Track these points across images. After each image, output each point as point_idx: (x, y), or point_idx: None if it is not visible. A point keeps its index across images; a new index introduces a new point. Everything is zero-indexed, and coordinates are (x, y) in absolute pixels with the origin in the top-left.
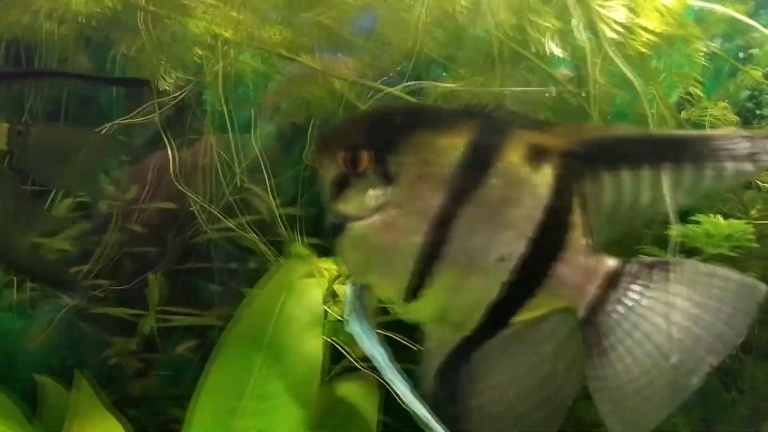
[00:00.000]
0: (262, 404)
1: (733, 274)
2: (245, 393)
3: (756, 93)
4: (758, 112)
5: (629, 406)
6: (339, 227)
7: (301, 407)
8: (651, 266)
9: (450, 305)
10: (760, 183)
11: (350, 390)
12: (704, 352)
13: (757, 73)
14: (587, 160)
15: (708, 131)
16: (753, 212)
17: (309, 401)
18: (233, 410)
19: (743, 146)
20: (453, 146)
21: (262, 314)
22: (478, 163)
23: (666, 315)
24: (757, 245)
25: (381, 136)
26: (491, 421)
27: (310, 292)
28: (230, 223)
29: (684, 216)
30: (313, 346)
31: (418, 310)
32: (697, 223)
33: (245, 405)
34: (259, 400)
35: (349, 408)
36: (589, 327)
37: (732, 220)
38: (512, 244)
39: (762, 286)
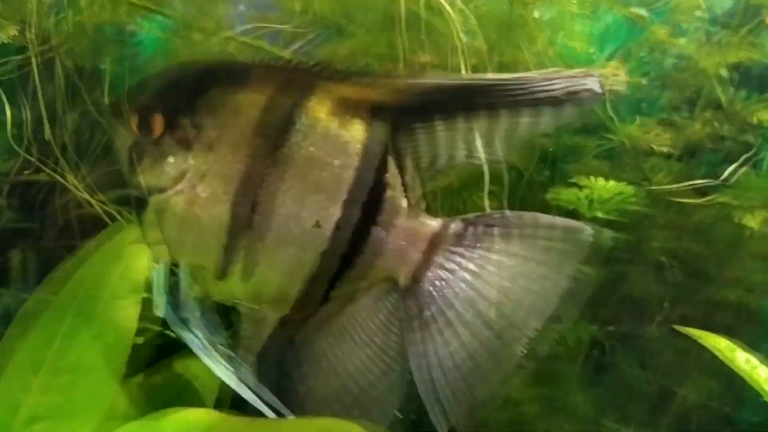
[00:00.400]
0: (60, 378)
1: (558, 220)
2: (42, 366)
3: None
4: None
5: (450, 383)
6: (142, 201)
7: (105, 380)
8: (475, 224)
9: (266, 280)
10: (655, 147)
11: (190, 365)
12: (528, 315)
13: (662, 32)
14: (400, 112)
15: (524, 72)
16: (656, 179)
17: (115, 374)
18: (27, 386)
19: (560, 86)
20: (253, 103)
21: (78, 281)
22: (281, 120)
23: (490, 278)
24: (640, 209)
25: (174, 96)
26: (326, 406)
27: (134, 259)
28: (92, 199)
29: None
30: (127, 314)
31: (233, 288)
32: (577, 185)
33: (42, 380)
34: (58, 374)
35: (185, 383)
36: (411, 297)
37: (613, 182)
38: (326, 209)
39: (588, 229)
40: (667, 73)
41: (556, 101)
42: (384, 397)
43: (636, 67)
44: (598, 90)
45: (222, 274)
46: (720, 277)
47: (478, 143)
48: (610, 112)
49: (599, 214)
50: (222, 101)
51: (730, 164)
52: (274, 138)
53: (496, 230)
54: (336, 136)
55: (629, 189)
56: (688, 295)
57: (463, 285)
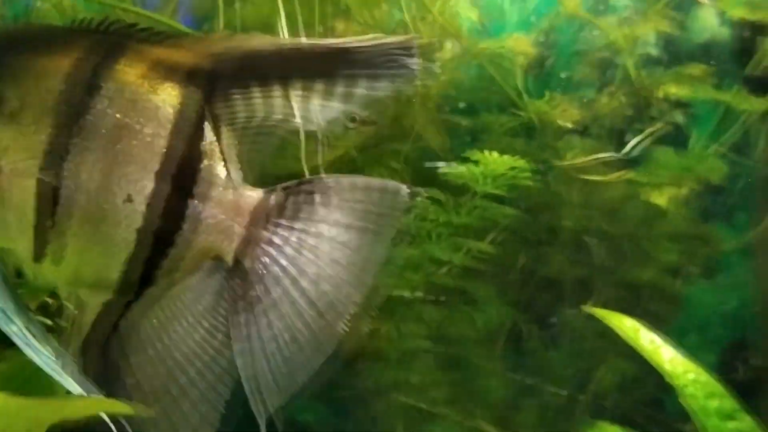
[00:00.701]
0: None
1: (374, 182)
2: None
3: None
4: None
5: (272, 368)
6: None
7: None
8: (296, 192)
9: (82, 262)
10: (561, 123)
11: None
12: (351, 289)
13: (573, 4)
14: (216, 77)
15: (348, 39)
16: (569, 156)
17: None
18: None
19: (378, 58)
20: (56, 69)
21: None
22: (86, 86)
23: (314, 251)
24: (529, 183)
25: None
26: (154, 398)
27: None
28: None
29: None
30: None
31: (50, 272)
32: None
33: None
34: None
35: (34, 370)
36: (236, 276)
37: (506, 157)
38: (138, 181)
39: (404, 189)
40: (580, 48)
41: (372, 73)
42: (213, 387)
43: (552, 40)
44: (415, 65)
45: (37, 257)
46: (634, 257)
47: (296, 110)
48: (520, 88)
49: (491, 189)
50: (24, 68)
51: (657, 144)
52: (79, 105)
53: (317, 197)
54: (146, 101)
55: (522, 162)
56: (603, 276)
57: (287, 261)
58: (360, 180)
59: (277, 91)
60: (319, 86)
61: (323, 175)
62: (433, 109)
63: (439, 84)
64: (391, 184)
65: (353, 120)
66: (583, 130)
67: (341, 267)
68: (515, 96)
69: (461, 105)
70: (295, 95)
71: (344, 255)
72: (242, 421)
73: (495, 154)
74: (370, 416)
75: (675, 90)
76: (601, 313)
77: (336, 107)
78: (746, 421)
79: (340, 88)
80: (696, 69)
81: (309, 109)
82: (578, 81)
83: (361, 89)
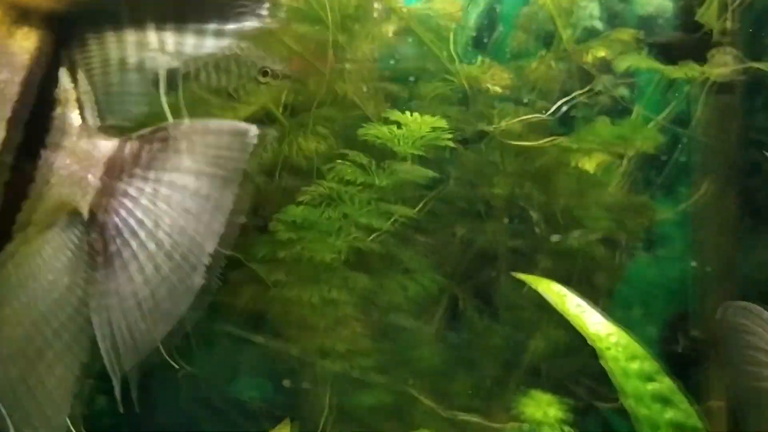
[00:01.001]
0: None
1: (225, 124)
2: None
3: None
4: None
5: (129, 325)
6: None
7: None
8: (151, 140)
9: None
10: (490, 87)
11: None
12: (205, 239)
13: None
14: (73, 21)
15: None
16: (502, 124)
17: None
18: None
19: (233, 5)
20: None
21: None
22: None
23: (170, 200)
24: (450, 145)
25: None
26: (10, 362)
27: None
28: None
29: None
30: None
31: None
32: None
33: None
34: None
35: None
36: (94, 230)
37: (427, 117)
38: None
39: (253, 129)
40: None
41: (221, 20)
42: (69, 348)
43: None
44: (265, 14)
45: None
46: (570, 226)
47: (151, 55)
48: (453, 53)
49: (410, 150)
50: None
51: (603, 116)
52: None
53: (170, 144)
54: (1, 46)
55: (443, 123)
56: (538, 245)
57: (143, 213)
58: (212, 124)
59: (131, 36)
60: (170, 30)
61: (178, 121)
62: (368, 76)
63: (373, 49)
64: (241, 125)
65: (265, 74)
66: (518, 99)
67: (193, 217)
68: (447, 62)
69: (398, 71)
70: (150, 39)
71: (196, 204)
72: None
73: (416, 115)
74: (302, 388)
75: (603, 54)
76: (529, 278)
77: (189, 50)
78: (665, 383)
79: (191, 33)
80: (625, 33)
81: (164, 52)
82: (515, 48)
83: (211, 33)
